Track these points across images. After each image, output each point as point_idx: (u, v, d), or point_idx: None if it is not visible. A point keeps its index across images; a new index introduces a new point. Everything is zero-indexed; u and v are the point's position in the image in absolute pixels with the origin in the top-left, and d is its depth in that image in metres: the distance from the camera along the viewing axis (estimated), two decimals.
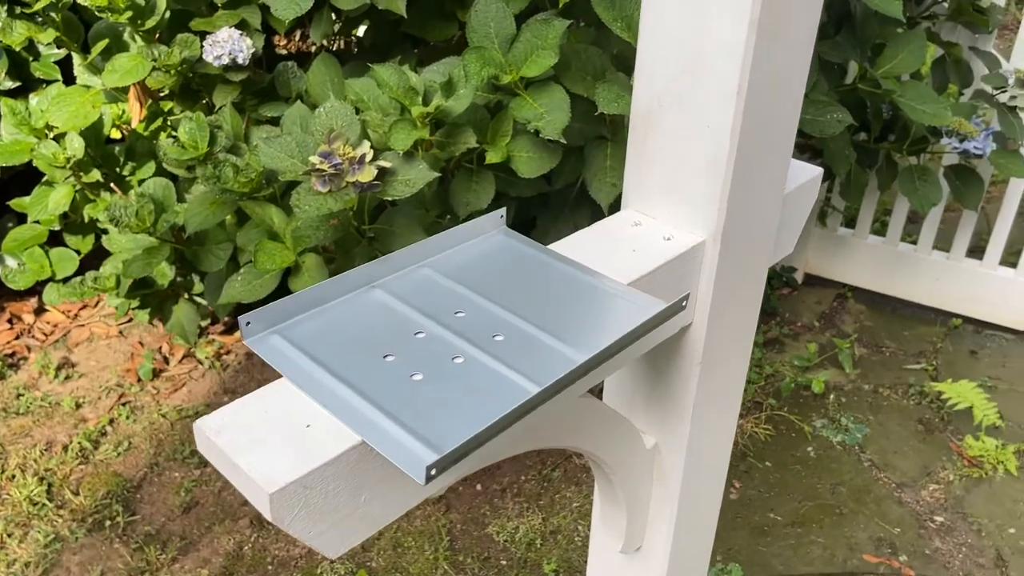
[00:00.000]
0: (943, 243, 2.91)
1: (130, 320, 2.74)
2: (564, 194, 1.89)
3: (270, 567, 1.97)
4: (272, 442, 0.63)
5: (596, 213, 1.91)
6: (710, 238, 0.87)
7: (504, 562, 1.98)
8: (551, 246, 0.88)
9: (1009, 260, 2.83)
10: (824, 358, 2.70)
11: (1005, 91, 2.34)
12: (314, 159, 1.48)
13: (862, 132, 2.56)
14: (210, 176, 1.58)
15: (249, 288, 1.61)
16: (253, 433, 0.63)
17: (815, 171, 1.03)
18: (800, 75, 0.86)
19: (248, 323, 0.71)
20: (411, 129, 1.53)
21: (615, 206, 1.74)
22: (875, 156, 2.54)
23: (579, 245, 0.89)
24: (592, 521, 1.20)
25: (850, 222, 3.04)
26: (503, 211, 0.90)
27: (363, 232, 1.69)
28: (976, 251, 2.87)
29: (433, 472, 0.59)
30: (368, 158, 1.48)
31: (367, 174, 1.47)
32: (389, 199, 1.54)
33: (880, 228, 3.12)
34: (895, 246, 2.91)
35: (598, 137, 1.72)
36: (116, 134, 2.36)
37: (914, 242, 2.91)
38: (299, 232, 1.54)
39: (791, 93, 0.86)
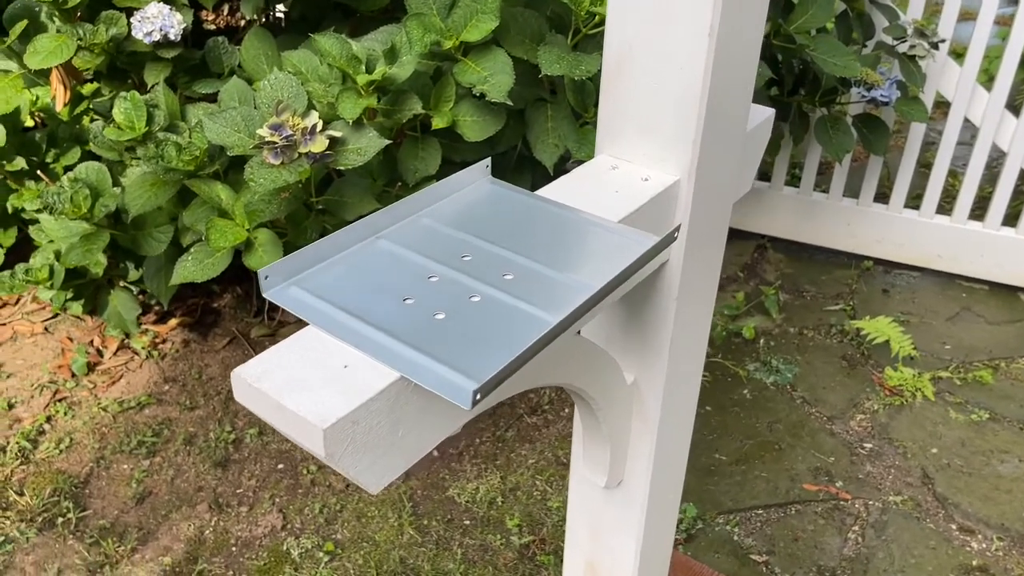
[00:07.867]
0: (851, 191, 3.07)
1: (55, 316, 2.65)
2: (507, 157, 1.92)
3: (234, 548, 1.96)
4: (315, 383, 0.65)
5: (537, 175, 1.95)
6: (684, 176, 0.92)
7: (468, 522, 2.03)
8: (538, 192, 0.92)
9: (912, 204, 3.01)
10: (751, 306, 2.83)
11: (905, 41, 2.49)
12: (263, 132, 1.47)
13: (774, 87, 2.68)
14: (153, 156, 1.55)
15: (201, 267, 1.59)
16: (295, 377, 0.65)
17: (768, 111, 1.10)
18: (761, 13, 0.91)
19: (267, 276, 0.73)
20: (357, 97, 1.54)
21: (558, 165, 1.79)
22: (788, 109, 2.66)
23: (564, 189, 0.93)
24: (572, 462, 1.25)
25: (763, 175, 3.17)
26: (488, 161, 0.93)
27: (312, 205, 1.69)
28: (881, 197, 3.05)
29: (478, 397, 0.63)
30: (318, 128, 1.48)
31: (319, 144, 1.47)
32: (340, 169, 1.55)
33: (792, 180, 3.27)
34: (809, 196, 3.06)
35: (538, 99, 1.75)
36: (30, 121, 2.27)
37: (825, 191, 3.06)
38: (252, 207, 1.53)
39: (754, 32, 0.91)
